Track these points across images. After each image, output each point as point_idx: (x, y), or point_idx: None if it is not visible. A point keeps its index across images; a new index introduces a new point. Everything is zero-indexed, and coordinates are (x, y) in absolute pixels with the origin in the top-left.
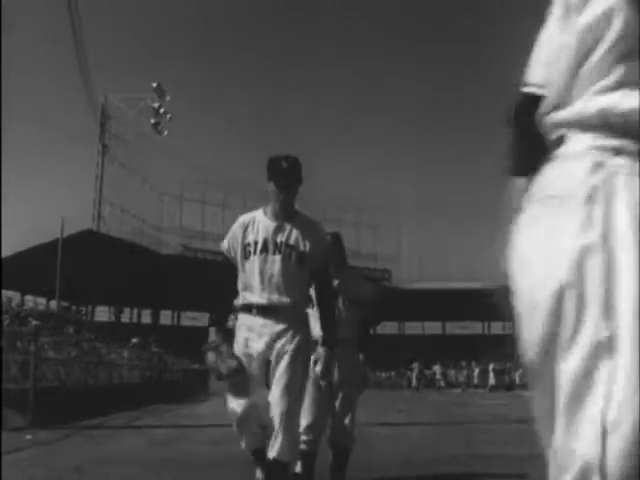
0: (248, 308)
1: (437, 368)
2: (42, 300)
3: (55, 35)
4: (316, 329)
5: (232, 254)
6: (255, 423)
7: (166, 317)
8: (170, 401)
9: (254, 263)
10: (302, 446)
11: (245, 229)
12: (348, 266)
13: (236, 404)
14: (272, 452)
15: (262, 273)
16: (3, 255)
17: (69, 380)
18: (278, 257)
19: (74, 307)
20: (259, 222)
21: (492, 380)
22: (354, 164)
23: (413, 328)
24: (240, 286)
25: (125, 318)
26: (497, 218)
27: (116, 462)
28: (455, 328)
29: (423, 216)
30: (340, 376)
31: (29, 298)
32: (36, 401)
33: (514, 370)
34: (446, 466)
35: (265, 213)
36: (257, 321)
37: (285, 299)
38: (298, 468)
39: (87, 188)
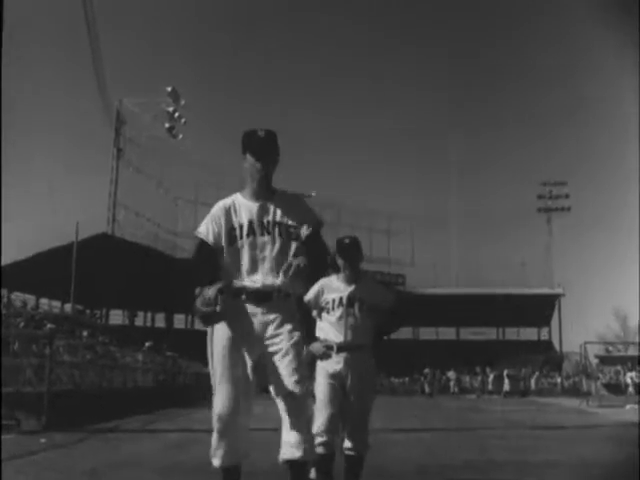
0: (237, 293)
1: (451, 374)
2: (57, 303)
3: (70, 40)
4: (330, 335)
5: (212, 239)
6: (237, 436)
7: (180, 321)
8: (184, 405)
9: (242, 248)
10: (319, 449)
11: (227, 212)
12: (362, 271)
13: (221, 408)
14: (298, 452)
15: (252, 257)
16: (18, 259)
17: (84, 383)
18: (267, 238)
19: (88, 310)
20: (240, 204)
21: (507, 386)
22: (366, 171)
23: (427, 333)
24: (222, 274)
25: (139, 322)
26: (507, 227)
27: (130, 466)
28: (469, 334)
29: (436, 223)
30: (354, 381)
31: (44, 301)
32: (51, 404)
33: (529, 376)
34: (461, 472)
35: (244, 196)
36: (246, 309)
37: (279, 283)
38: (313, 474)
39: (102, 192)
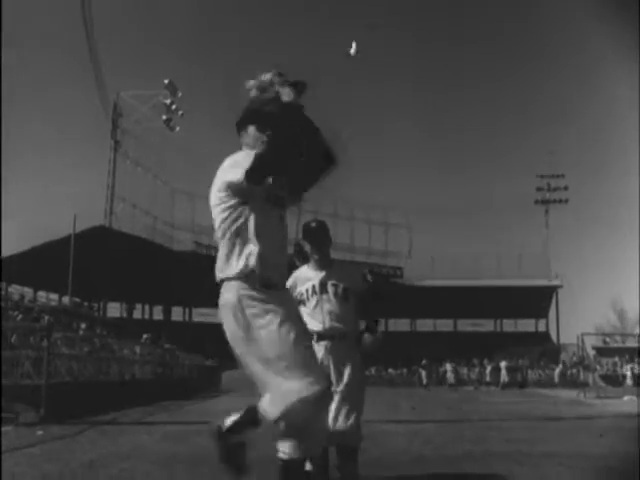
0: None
1: (449, 365)
2: (54, 296)
3: (68, 33)
4: (309, 326)
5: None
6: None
7: (178, 313)
8: (182, 397)
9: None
10: None
11: None
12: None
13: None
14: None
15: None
16: (16, 252)
17: (81, 376)
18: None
19: (86, 303)
20: None
21: (504, 377)
22: (363, 163)
23: (425, 325)
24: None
25: (137, 314)
26: (505, 218)
27: (129, 458)
28: (467, 325)
29: (434, 215)
30: (338, 370)
31: (42, 294)
32: (49, 397)
33: (527, 367)
34: (459, 463)
35: None
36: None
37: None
38: (308, 466)
39: (99, 185)
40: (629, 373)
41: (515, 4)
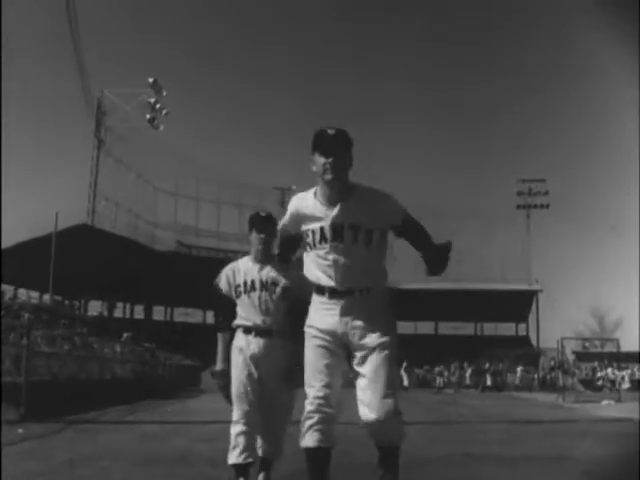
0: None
1: (428, 368)
2: (35, 294)
3: (52, 30)
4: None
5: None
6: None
7: (159, 312)
8: (162, 396)
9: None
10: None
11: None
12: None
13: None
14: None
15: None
16: None
17: (61, 374)
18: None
19: (67, 301)
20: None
21: (488, 381)
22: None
23: (406, 328)
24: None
25: (118, 313)
26: (488, 221)
27: (108, 457)
28: (447, 329)
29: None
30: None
31: (22, 292)
32: (28, 395)
33: (506, 371)
34: (440, 466)
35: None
36: None
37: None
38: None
39: (82, 183)
40: (627, 379)
41: (510, 2)
